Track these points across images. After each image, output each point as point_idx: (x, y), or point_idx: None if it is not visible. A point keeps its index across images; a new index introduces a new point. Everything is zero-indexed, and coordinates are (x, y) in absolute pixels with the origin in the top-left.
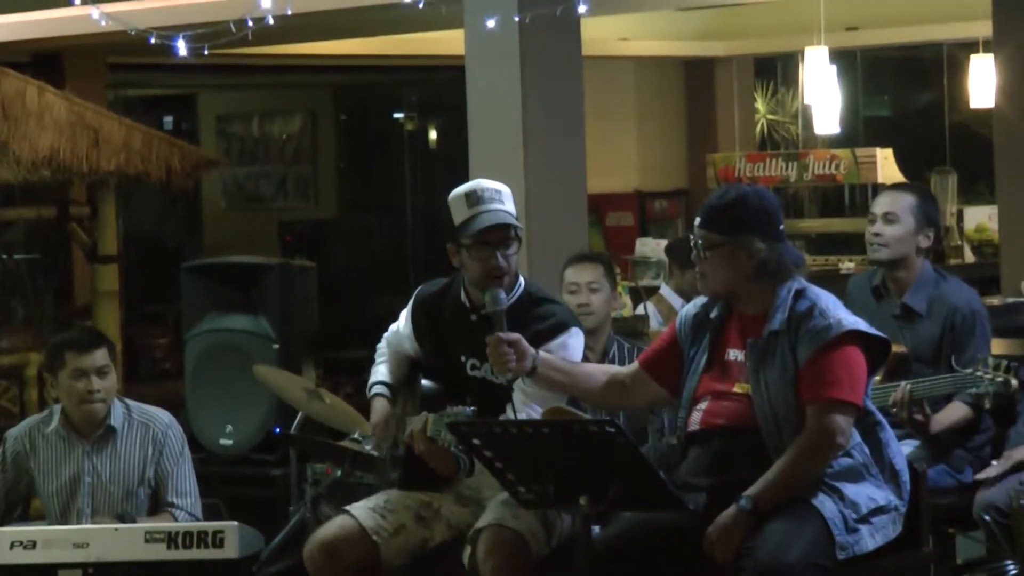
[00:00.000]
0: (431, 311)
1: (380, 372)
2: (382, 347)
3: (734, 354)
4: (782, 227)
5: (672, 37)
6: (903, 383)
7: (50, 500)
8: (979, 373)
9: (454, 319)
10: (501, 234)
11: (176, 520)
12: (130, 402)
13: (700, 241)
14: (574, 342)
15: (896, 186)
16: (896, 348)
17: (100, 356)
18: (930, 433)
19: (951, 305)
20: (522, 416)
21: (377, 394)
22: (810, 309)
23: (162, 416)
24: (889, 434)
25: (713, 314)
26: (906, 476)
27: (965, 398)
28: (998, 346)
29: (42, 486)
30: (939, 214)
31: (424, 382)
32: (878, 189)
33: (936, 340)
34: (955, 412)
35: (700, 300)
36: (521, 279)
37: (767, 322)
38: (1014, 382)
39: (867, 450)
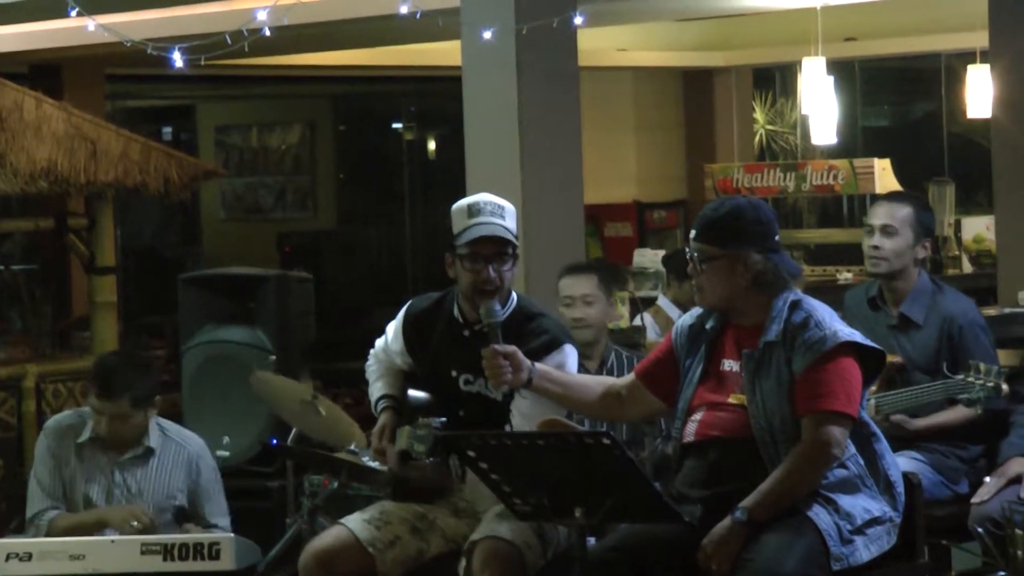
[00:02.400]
0: (422, 326)
1: (378, 388)
2: (371, 364)
3: (729, 365)
4: (778, 238)
5: (671, 47)
6: (871, 400)
7: (77, 510)
8: (970, 379)
9: (446, 334)
10: (495, 247)
11: None
12: (164, 422)
13: (696, 254)
14: (569, 360)
15: (892, 196)
16: (892, 358)
17: (118, 406)
18: (913, 431)
19: (948, 315)
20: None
21: (385, 408)
22: (806, 320)
23: (196, 440)
24: (884, 445)
25: (709, 325)
26: (901, 487)
27: (966, 402)
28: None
29: (73, 496)
30: (935, 223)
31: (412, 393)
32: (875, 199)
33: (933, 349)
34: (947, 414)
35: (696, 311)
36: (514, 294)
37: (763, 333)
38: (1005, 387)
39: (862, 461)
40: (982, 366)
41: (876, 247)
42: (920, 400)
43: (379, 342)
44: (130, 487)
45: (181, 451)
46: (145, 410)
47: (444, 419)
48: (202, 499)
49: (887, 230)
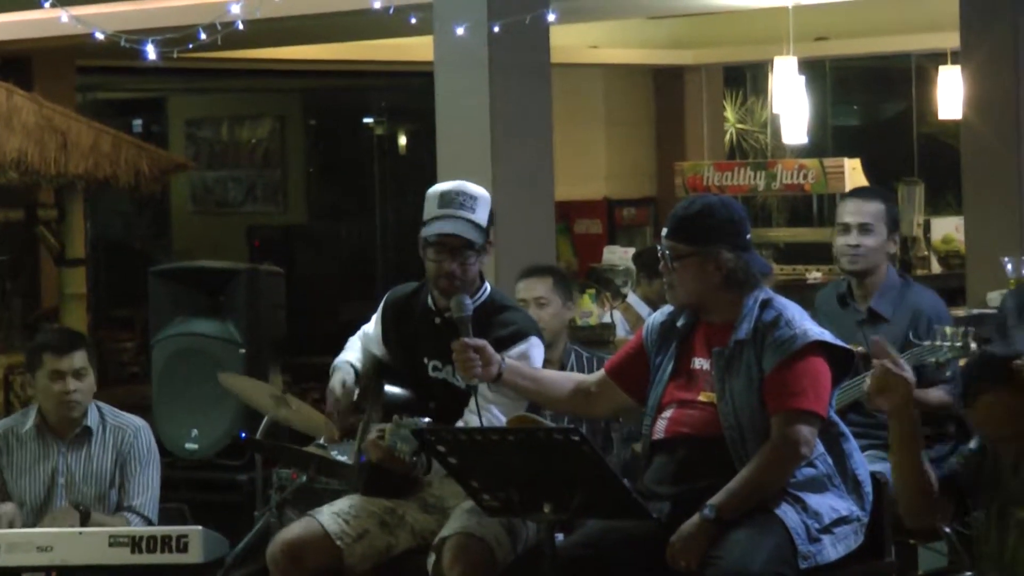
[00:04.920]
0: (400, 313)
1: (345, 354)
2: (353, 339)
3: (700, 363)
4: (749, 236)
5: (642, 45)
6: (869, 375)
7: (24, 500)
8: (938, 342)
9: (420, 322)
10: (459, 241)
11: (128, 524)
12: (104, 406)
13: (668, 252)
14: (534, 351)
15: (862, 192)
16: (856, 348)
17: (78, 358)
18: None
19: (916, 308)
20: (484, 417)
21: (336, 367)
22: (776, 319)
23: (134, 421)
24: (852, 445)
25: (680, 322)
26: (868, 487)
27: (942, 386)
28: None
29: (15, 487)
30: (899, 217)
31: (389, 388)
32: (844, 196)
33: (900, 342)
34: (934, 393)
35: (667, 308)
36: (487, 285)
37: (733, 331)
38: (973, 345)
39: (830, 461)
40: (948, 330)
41: (855, 245)
42: None
43: (364, 326)
44: (74, 474)
45: (118, 434)
46: (93, 372)
47: (429, 419)
48: (126, 478)
49: (865, 228)
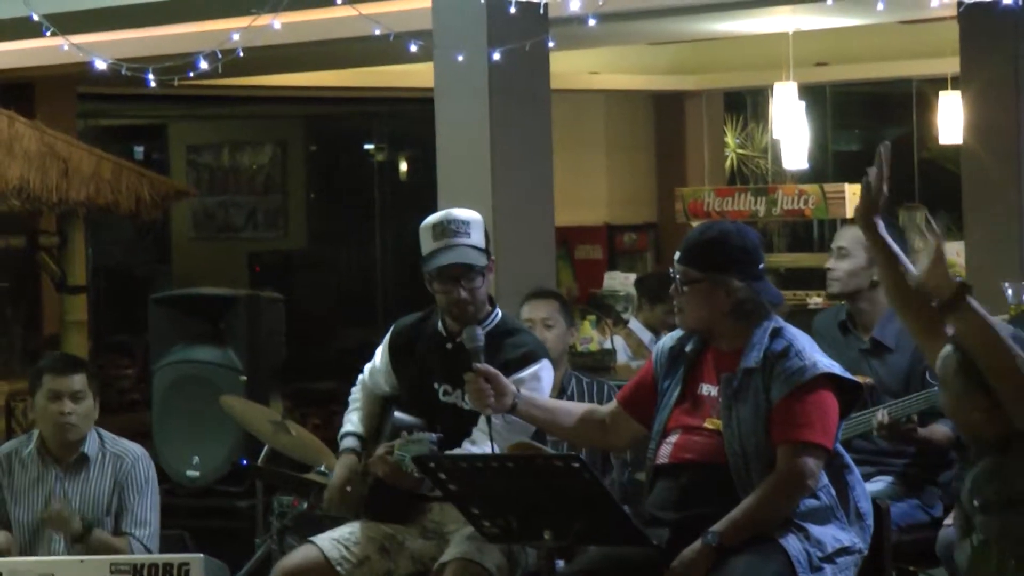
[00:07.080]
0: (408, 341)
1: (352, 421)
2: (356, 392)
3: (707, 389)
4: (762, 266)
5: (642, 71)
6: (880, 410)
7: (20, 523)
8: None
9: (430, 347)
10: (460, 268)
11: (131, 548)
12: (105, 433)
13: (679, 276)
14: (544, 374)
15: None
16: (861, 379)
17: (77, 381)
18: (918, 439)
19: None
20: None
21: (347, 448)
22: (786, 349)
23: (134, 449)
24: (856, 476)
25: (688, 347)
26: (870, 520)
27: (944, 420)
28: None
29: (13, 509)
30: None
31: (398, 415)
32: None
33: (905, 372)
34: (939, 429)
35: (677, 333)
36: (498, 310)
37: (742, 359)
38: None
39: (834, 492)
40: None
41: (829, 268)
42: (903, 412)
43: (368, 365)
44: (71, 500)
45: (117, 462)
46: (94, 399)
47: (440, 435)
48: (124, 504)
49: (841, 252)
